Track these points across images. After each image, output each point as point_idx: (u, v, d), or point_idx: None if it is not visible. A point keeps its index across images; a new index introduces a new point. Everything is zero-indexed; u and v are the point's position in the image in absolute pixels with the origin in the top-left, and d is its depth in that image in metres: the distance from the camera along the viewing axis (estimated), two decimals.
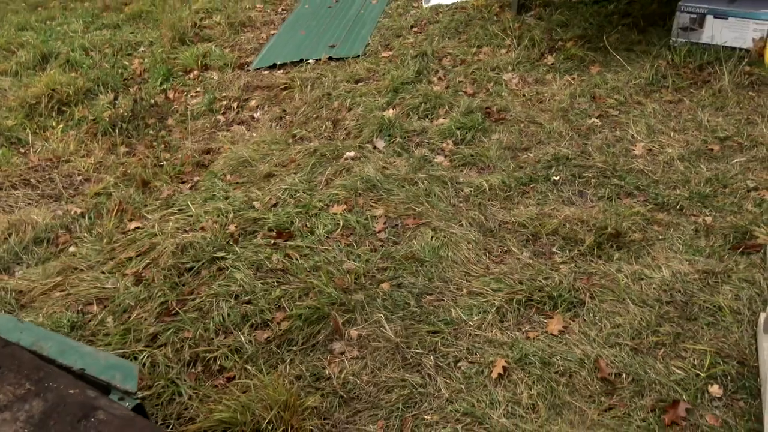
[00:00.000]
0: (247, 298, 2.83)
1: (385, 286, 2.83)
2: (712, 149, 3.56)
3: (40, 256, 3.24)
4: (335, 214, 3.33)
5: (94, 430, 1.04)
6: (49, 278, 3.04)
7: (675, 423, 2.12)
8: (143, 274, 3.01)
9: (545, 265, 2.86)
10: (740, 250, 2.82)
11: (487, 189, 3.41)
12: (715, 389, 2.23)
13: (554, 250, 2.97)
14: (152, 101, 4.98)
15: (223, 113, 4.79)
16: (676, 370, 2.31)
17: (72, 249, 3.29)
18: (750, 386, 2.23)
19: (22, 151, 4.43)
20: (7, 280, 3.09)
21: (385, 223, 3.25)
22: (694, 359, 2.35)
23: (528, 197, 3.35)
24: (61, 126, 4.71)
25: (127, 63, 5.80)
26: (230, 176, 3.80)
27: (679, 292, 2.64)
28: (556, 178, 3.46)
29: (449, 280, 2.85)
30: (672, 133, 3.75)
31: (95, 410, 1.09)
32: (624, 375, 2.31)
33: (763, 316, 2.34)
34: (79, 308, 2.85)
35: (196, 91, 5.21)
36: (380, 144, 3.96)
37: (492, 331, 2.56)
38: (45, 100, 4.99)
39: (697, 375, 2.29)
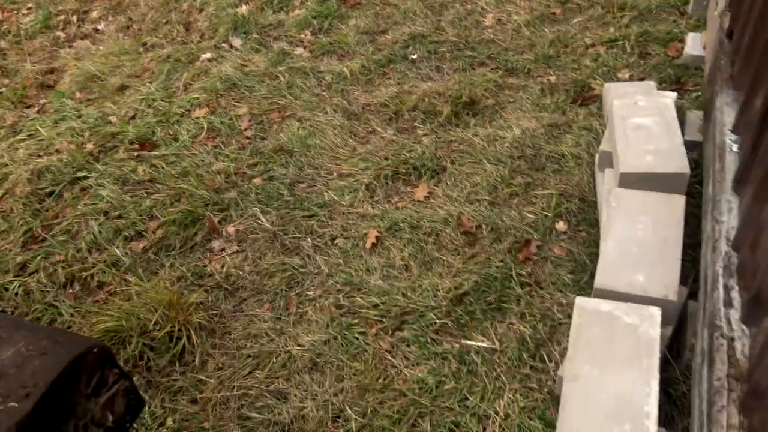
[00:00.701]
0: (117, 213, 2.78)
1: (257, 180, 2.87)
2: (554, 13, 3.75)
3: None
4: (198, 118, 3.26)
5: None
6: None
7: (528, 259, 2.39)
8: (0, 206, 2.87)
9: (408, 139, 3.00)
10: (579, 102, 3.08)
11: (348, 75, 3.44)
12: (560, 225, 2.51)
13: (416, 124, 3.10)
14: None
15: (63, 29, 4.42)
16: (528, 215, 2.57)
17: None
18: (590, 218, 2.52)
19: None
20: None
21: (250, 120, 3.23)
22: (543, 203, 2.61)
23: (388, 78, 3.43)
24: None
25: None
26: (80, 94, 3.59)
27: (529, 146, 2.87)
28: (414, 57, 3.54)
29: (319, 167, 2.93)
30: (519, 2, 3.89)
31: None
32: (484, 226, 2.54)
33: (597, 155, 2.61)
34: None
35: (28, 8, 4.74)
36: (237, 42, 3.85)
37: (363, 207, 2.69)
38: None
39: (546, 216, 2.55)
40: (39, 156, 3.12)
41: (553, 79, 3.25)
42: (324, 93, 3.39)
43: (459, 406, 1.97)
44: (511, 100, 3.17)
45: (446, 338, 2.16)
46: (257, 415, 2.03)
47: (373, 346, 2.17)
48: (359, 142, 3.05)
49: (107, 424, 1.07)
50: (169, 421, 2.01)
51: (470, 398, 1.99)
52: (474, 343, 2.13)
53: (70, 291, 2.46)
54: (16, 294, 2.44)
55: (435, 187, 2.75)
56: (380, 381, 2.07)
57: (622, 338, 1.78)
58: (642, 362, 1.72)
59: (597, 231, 2.46)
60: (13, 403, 0.94)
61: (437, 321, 2.20)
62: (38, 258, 2.59)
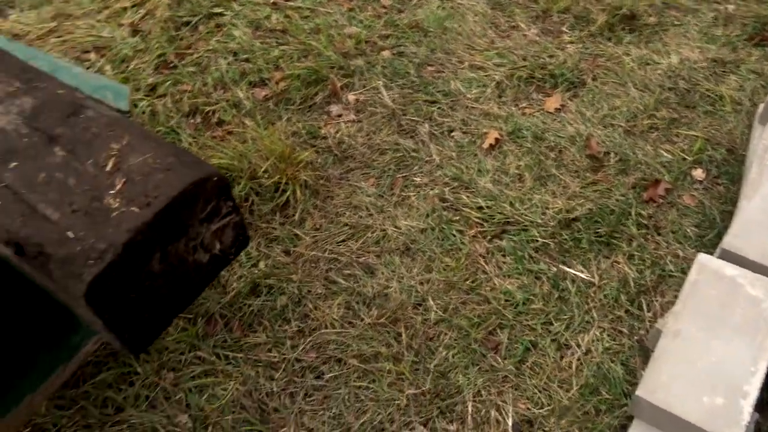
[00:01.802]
0: (245, 56, 2.78)
1: (385, 53, 2.77)
2: None
3: (32, 1, 3.12)
4: None
5: (83, 124, 1.08)
6: (43, 23, 2.96)
7: (652, 200, 2.21)
8: (140, 26, 2.93)
9: (552, 44, 2.77)
10: (756, 41, 2.71)
11: None
12: (698, 173, 2.29)
13: (563, 28, 2.85)
14: None
15: None
16: (664, 153, 2.35)
17: None
18: (733, 172, 2.28)
19: None
20: (1, 22, 3.01)
21: None
22: (684, 144, 2.38)
23: None
24: None
25: None
26: None
27: (684, 79, 2.59)
28: None
29: (451, 52, 2.78)
30: None
31: (84, 108, 1.11)
32: (612, 154, 2.36)
33: (762, 105, 2.31)
34: (77, 55, 2.82)
35: None
36: None
37: (488, 105, 2.56)
38: None
39: (684, 159, 2.33)
40: None
41: (731, 8, 2.87)
42: None
43: (541, 328, 1.92)
44: (676, 23, 2.84)
45: (545, 259, 2.08)
46: (343, 282, 2.07)
47: (469, 247, 2.12)
48: (499, 36, 2.85)
49: (214, 251, 1.09)
50: (261, 264, 2.09)
51: (554, 324, 1.93)
52: (572, 270, 2.04)
53: (192, 121, 2.53)
54: (143, 112, 2.54)
55: (569, 101, 2.56)
56: (468, 282, 2.04)
57: (740, 308, 1.63)
58: (756, 339, 1.58)
59: (737, 188, 2.23)
60: (134, 208, 0.95)
61: (539, 239, 2.11)
62: (167, 83, 2.66)
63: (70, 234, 0.93)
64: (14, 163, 1.03)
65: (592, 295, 1.98)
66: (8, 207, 0.97)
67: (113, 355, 1.94)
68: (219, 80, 2.68)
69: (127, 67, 2.76)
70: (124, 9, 3.03)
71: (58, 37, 2.91)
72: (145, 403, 1.85)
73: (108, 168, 1.01)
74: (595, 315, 1.94)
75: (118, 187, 0.98)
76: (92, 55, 2.82)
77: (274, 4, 3.00)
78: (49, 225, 0.95)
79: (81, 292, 0.90)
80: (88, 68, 2.77)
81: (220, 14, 2.96)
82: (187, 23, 2.93)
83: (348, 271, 2.11)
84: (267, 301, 2.04)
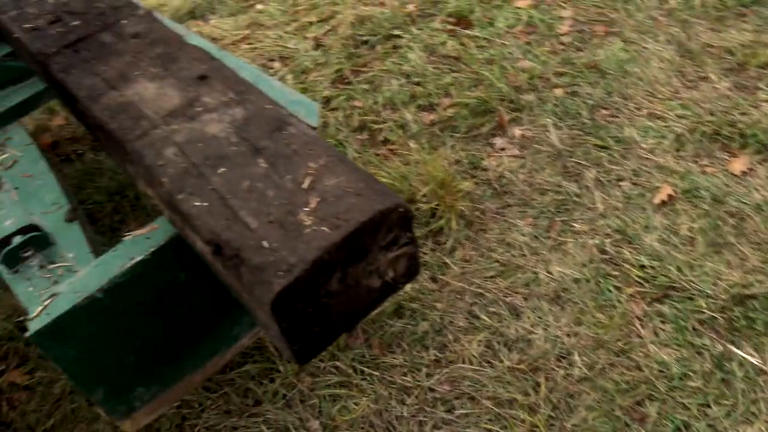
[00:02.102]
0: (417, 79, 2.84)
1: (558, 91, 2.70)
2: None
3: (231, 9, 3.41)
4: (519, 8, 3.12)
5: (285, 140, 1.15)
6: (238, 30, 3.22)
7: None
8: (322, 40, 3.09)
9: (745, 100, 2.56)
10: None
11: (698, 4, 2.99)
12: None
13: (760, 85, 2.62)
14: None
15: None
16: None
17: (259, 6, 3.41)
18: None
19: None
20: (202, 26, 3.32)
21: (571, 26, 3.01)
22: None
23: (745, 21, 2.91)
24: None
25: None
26: None
27: None
28: None
29: (629, 98, 2.65)
30: None
31: (287, 125, 1.18)
32: None
33: None
34: (263, 62, 3.03)
35: None
36: None
37: (665, 158, 2.41)
38: None
39: None
40: (365, 4, 3.27)
41: None
42: (662, 18, 3.00)
43: (697, 409, 1.76)
44: None
45: (710, 334, 1.91)
46: (486, 319, 2.03)
47: (625, 307, 2.00)
48: (684, 85, 2.68)
49: (386, 278, 1.11)
50: (408, 287, 2.11)
51: (713, 408, 1.76)
52: (741, 352, 1.85)
53: (359, 136, 2.62)
54: None
55: (758, 165, 2.34)
56: (619, 343, 1.92)
57: None
58: None
59: None
60: (325, 228, 0.99)
61: (706, 311, 1.94)
62: (341, 98, 2.78)
63: (265, 243, 0.99)
64: (223, 169, 1.12)
65: (762, 384, 1.79)
66: (214, 209, 1.05)
67: (259, 349, 2.04)
68: (389, 100, 2.76)
69: (306, 78, 2.92)
70: (311, 23, 3.21)
71: (249, 44, 3.15)
72: (282, 401, 1.93)
73: (305, 185, 1.07)
74: (762, 407, 1.75)
75: (312, 205, 1.03)
76: (276, 64, 3.02)
77: (452, 31, 3.04)
78: (247, 232, 1.01)
79: (268, 300, 0.94)
80: (272, 75, 2.96)
81: (398, 36, 3.05)
82: (366, 42, 3.05)
83: (493, 309, 2.07)
84: (409, 324, 2.05)
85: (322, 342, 1.09)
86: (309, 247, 0.97)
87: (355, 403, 1.90)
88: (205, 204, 1.06)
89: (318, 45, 3.07)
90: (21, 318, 2.10)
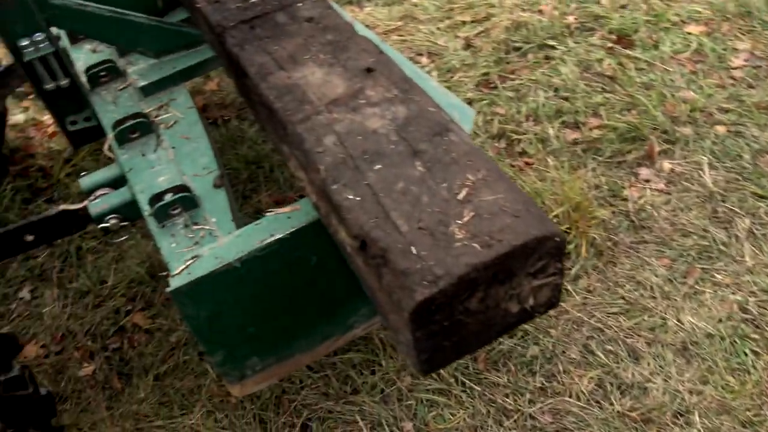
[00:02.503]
0: (565, 94, 2.73)
1: (720, 129, 2.50)
2: None
3: None
4: (689, 34, 2.91)
5: (445, 146, 1.12)
6: (391, 20, 3.24)
7: None
8: (473, 41, 3.04)
9: None
10: None
11: None
12: None
13: None
14: None
15: None
16: None
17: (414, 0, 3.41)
18: None
19: None
20: (357, 12, 3.37)
21: (746, 60, 2.77)
22: None
23: None
24: None
25: None
26: None
27: None
28: None
29: None
30: None
31: (448, 131, 1.16)
32: None
33: None
34: (411, 56, 3.03)
35: None
36: None
37: None
38: None
39: None
40: (523, 10, 3.18)
41: None
42: None
43: None
44: None
45: None
46: (602, 356, 1.93)
47: (761, 374, 1.83)
48: None
49: (525, 305, 1.07)
50: None
51: None
52: None
53: (496, 144, 2.56)
54: None
55: None
56: (748, 413, 1.76)
57: None
58: None
59: None
60: (476, 245, 0.96)
61: None
62: (484, 102, 2.73)
63: (413, 249, 0.97)
64: (379, 166, 1.11)
65: None
66: (366, 205, 1.05)
67: (365, 339, 2.05)
68: (533, 111, 2.67)
69: (452, 77, 2.89)
70: (464, 22, 3.17)
71: (400, 36, 3.16)
72: (379, 395, 1.93)
73: (460, 197, 1.04)
74: None
75: (465, 218, 1.00)
76: (424, 59, 3.01)
77: (611, 49, 2.89)
78: (396, 234, 1.00)
79: (409, 308, 0.93)
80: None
81: (552, 47, 2.94)
82: (518, 49, 2.97)
83: (610, 348, 1.96)
84: (518, 345, 1.98)
85: (448, 357, 1.06)
86: (457, 261, 0.95)
87: (452, 414, 1.87)
88: (357, 198, 1.06)
89: (468, 45, 3.03)
90: (157, 272, 2.24)
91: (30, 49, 1.74)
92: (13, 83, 2.19)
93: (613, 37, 2.95)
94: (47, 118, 2.96)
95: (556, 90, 2.76)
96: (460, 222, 1.00)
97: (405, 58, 1.75)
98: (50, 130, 2.89)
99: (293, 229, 1.34)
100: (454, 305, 0.98)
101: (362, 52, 1.36)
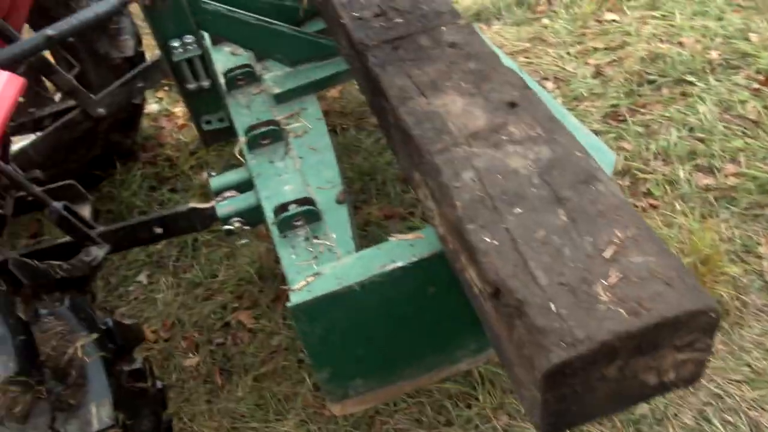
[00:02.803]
0: (701, 135, 2.55)
1: None
2: None
3: (517, 18, 3.36)
4: None
5: (591, 196, 1.06)
6: (520, 41, 3.16)
7: None
8: (604, 70, 2.92)
9: None
10: None
11: None
12: None
13: None
14: None
15: None
16: None
17: (545, 21, 3.31)
18: None
19: None
20: (485, 30, 3.32)
21: None
22: None
23: None
24: None
25: None
26: None
27: None
28: None
29: None
30: None
31: (595, 180, 1.09)
32: None
33: None
34: (537, 80, 2.94)
35: None
36: None
37: None
38: None
39: None
40: (661, 41, 3.01)
41: None
42: None
43: None
44: None
45: None
46: (719, 427, 1.78)
47: None
48: None
49: (664, 378, 0.99)
50: None
51: None
52: None
53: (620, 181, 2.43)
54: None
55: None
56: None
57: None
58: None
59: None
60: (622, 311, 0.90)
61: None
62: (610, 135, 2.60)
63: (552, 305, 0.92)
64: (519, 210, 1.06)
65: None
66: (504, 251, 1.01)
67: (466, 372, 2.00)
68: (663, 150, 2.52)
69: (577, 106, 2.78)
70: (596, 49, 3.05)
71: (526, 57, 3.09)
72: (473, 431, 1.87)
73: (606, 255, 0.97)
74: None
75: (611, 279, 0.94)
76: (549, 84, 2.92)
77: (757, 90, 2.68)
78: (535, 286, 0.95)
79: (542, 368, 0.88)
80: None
81: (691, 83, 2.77)
82: (652, 82, 2.82)
83: (729, 418, 1.80)
84: None
85: (575, 421, 1.00)
86: (601, 326, 0.88)
87: None
88: (494, 242, 1.02)
89: (598, 73, 2.91)
90: (265, 273, 2.28)
91: (179, 50, 1.82)
92: (156, 78, 2.31)
93: (761, 77, 2.73)
94: (179, 109, 3.12)
95: (690, 129, 2.59)
96: (605, 283, 0.94)
97: (547, 94, 1.68)
98: (180, 122, 3.04)
99: (415, 259, 1.31)
100: (591, 371, 0.91)
101: (506, 85, 1.32)
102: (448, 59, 1.42)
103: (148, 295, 2.34)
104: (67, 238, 1.73)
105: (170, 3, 1.74)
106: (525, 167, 1.14)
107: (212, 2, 1.83)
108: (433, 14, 1.56)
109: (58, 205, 1.67)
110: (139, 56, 2.54)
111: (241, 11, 1.85)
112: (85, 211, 1.89)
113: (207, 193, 2.69)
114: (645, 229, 1.01)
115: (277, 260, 2.26)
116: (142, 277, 2.40)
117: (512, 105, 1.27)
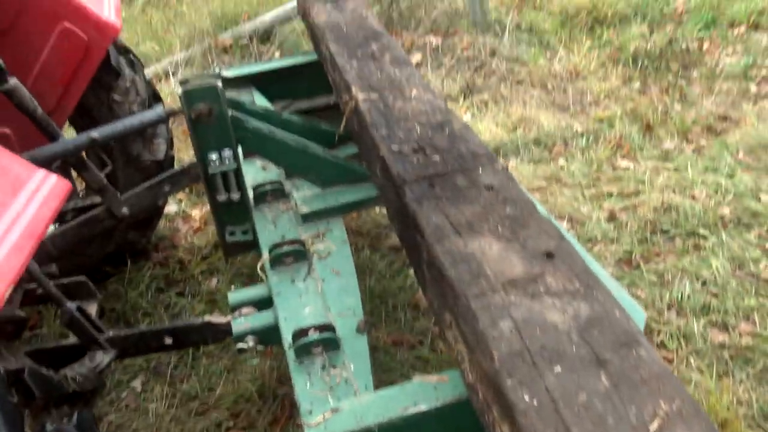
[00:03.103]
0: (715, 290, 2.56)
1: None
2: None
3: (533, 156, 3.48)
4: None
5: (633, 362, 1.03)
6: (536, 179, 3.25)
7: None
8: (619, 215, 2.97)
9: None
10: None
11: None
12: None
13: None
14: (683, 45, 4.68)
15: (758, 83, 4.23)
16: None
17: (561, 162, 3.43)
18: None
19: (548, 55, 4.72)
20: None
21: None
22: None
23: None
24: (588, 43, 4.83)
25: None
26: (743, 155, 3.38)
27: None
28: None
29: None
30: None
31: (637, 344, 1.07)
32: None
33: None
34: (553, 218, 2.99)
35: (735, 50, 4.70)
36: None
37: None
38: (584, 14, 5.15)
39: None
40: (674, 191, 3.10)
41: None
42: None
43: None
44: None
45: None
46: None
47: None
48: None
49: None
50: None
51: None
52: None
53: None
54: None
55: None
56: None
57: None
58: None
59: None
60: None
61: None
62: (624, 281, 2.61)
63: None
64: (559, 369, 1.03)
65: None
66: (544, 413, 0.97)
67: None
68: (677, 302, 2.51)
69: (591, 248, 2.81)
70: (610, 194, 3.13)
71: (542, 196, 3.16)
72: None
73: (652, 428, 0.93)
74: None
75: None
76: (564, 224, 2.96)
77: None
78: None
79: None
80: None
81: (704, 237, 2.81)
82: (665, 232, 2.86)
83: None
84: None
85: None
86: None
87: None
88: (534, 402, 0.98)
89: (612, 218, 2.96)
90: (267, 392, 2.19)
91: (216, 163, 1.86)
92: (183, 183, 2.34)
93: None
94: (196, 212, 3.14)
95: (704, 283, 2.59)
96: None
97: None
98: (197, 225, 3.05)
99: (439, 404, 1.27)
100: None
101: (542, 234, 1.33)
102: (484, 202, 1.44)
103: (140, 404, 2.23)
104: (74, 339, 1.68)
105: (215, 118, 1.80)
106: (564, 322, 1.12)
107: (254, 120, 1.89)
108: (470, 155, 1.61)
109: (71, 306, 1.64)
110: (169, 160, 2.60)
111: (281, 131, 1.91)
112: (92, 308, 1.85)
113: (215, 300, 2.67)
114: (690, 402, 0.98)
115: (280, 380, 2.19)
116: (137, 383, 2.31)
117: (549, 255, 1.27)
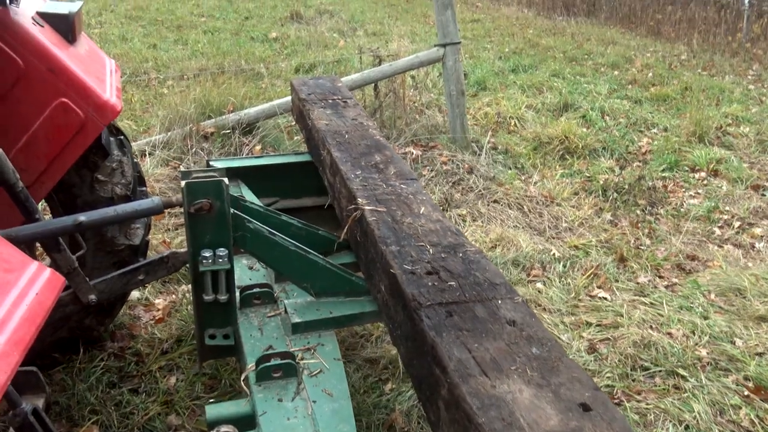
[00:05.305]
0: None
1: None
2: None
3: (512, 277, 3.45)
4: None
5: None
6: None
7: None
8: (598, 347, 2.93)
9: None
10: None
11: None
12: None
13: None
14: (650, 183, 4.88)
15: (720, 227, 4.40)
16: None
17: (539, 285, 3.40)
18: None
19: (523, 178, 4.83)
20: None
21: None
22: None
23: None
24: (560, 171, 4.99)
25: (635, 138, 5.84)
26: (714, 296, 3.44)
27: None
28: None
29: None
30: None
31: None
32: None
33: None
34: None
35: (696, 193, 4.92)
36: None
37: None
38: (556, 143, 5.36)
39: None
40: (651, 327, 3.09)
41: None
42: None
43: None
44: None
45: None
46: None
47: None
48: None
49: None
50: None
51: None
52: None
53: None
54: None
55: None
56: None
57: None
58: None
59: None
60: None
61: None
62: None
63: None
64: None
65: None
66: None
67: None
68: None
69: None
70: (588, 323, 3.09)
71: None
72: None
73: None
74: None
75: None
76: None
77: (748, 397, 2.69)
78: None
79: None
80: None
81: (684, 377, 2.77)
82: (646, 369, 2.82)
83: None
84: None
85: None
86: None
87: None
88: None
89: (593, 349, 2.91)
90: None
91: (209, 261, 1.73)
92: (159, 274, 2.18)
93: (750, 385, 2.76)
94: (160, 301, 2.94)
95: (687, 428, 2.52)
96: None
97: None
98: (159, 315, 2.85)
99: None
100: None
101: (575, 381, 1.24)
102: (508, 338, 1.35)
103: None
104: None
105: (215, 215, 1.69)
106: None
107: (255, 222, 1.79)
108: (488, 284, 1.54)
109: (27, 407, 1.43)
110: (144, 246, 2.44)
111: (281, 236, 1.81)
112: (39, 403, 1.63)
113: (172, 401, 2.44)
114: None
115: None
116: None
117: (585, 408, 1.18)
